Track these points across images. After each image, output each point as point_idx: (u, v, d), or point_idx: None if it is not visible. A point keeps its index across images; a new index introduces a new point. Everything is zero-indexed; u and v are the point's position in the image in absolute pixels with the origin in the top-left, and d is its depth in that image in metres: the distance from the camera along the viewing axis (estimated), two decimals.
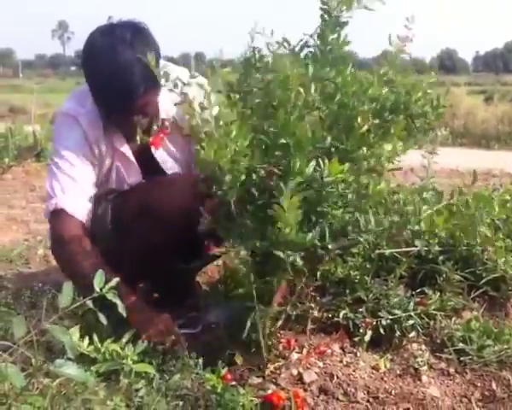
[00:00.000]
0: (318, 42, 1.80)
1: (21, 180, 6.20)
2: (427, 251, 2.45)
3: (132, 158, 2.28)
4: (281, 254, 1.69)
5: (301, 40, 1.82)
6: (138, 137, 2.09)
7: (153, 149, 2.28)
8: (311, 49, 1.82)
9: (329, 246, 1.76)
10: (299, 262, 1.70)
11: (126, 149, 2.26)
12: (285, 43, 1.80)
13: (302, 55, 1.83)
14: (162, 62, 2.10)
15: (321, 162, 1.69)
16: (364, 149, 1.82)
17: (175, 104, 1.91)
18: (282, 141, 1.70)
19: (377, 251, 2.44)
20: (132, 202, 2.23)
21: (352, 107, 1.79)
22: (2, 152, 6.95)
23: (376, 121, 1.80)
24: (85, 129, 2.17)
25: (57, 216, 2.12)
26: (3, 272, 3.10)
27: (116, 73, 1.99)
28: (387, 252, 2.39)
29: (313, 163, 1.69)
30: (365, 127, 1.78)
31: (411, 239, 2.40)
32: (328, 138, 1.80)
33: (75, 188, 2.14)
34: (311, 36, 1.81)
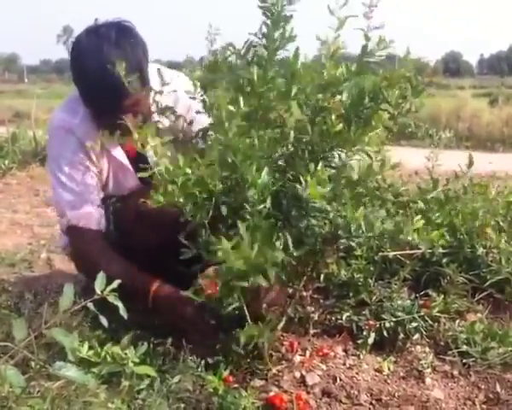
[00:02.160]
0: (263, 41, 1.75)
1: (26, 185, 6.20)
2: (430, 253, 2.44)
3: (126, 162, 2.27)
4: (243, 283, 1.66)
5: (246, 41, 1.78)
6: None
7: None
8: (257, 50, 1.77)
9: (295, 253, 1.73)
10: (264, 283, 1.64)
11: (120, 154, 2.25)
12: (230, 48, 1.78)
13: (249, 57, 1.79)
14: (156, 66, 2.13)
15: (302, 179, 1.68)
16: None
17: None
18: (228, 159, 1.68)
19: (381, 254, 2.43)
20: (132, 207, 2.23)
21: (316, 102, 1.76)
22: (5, 156, 6.98)
23: (354, 112, 1.77)
24: (81, 139, 2.17)
25: (72, 233, 2.25)
26: (7, 275, 3.10)
27: (102, 71, 1.96)
28: (391, 254, 2.38)
29: (266, 171, 1.67)
30: (340, 125, 1.76)
31: (414, 242, 2.40)
32: (292, 133, 1.79)
33: (82, 201, 2.20)
34: (255, 35, 1.75)
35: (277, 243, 1.67)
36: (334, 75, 1.76)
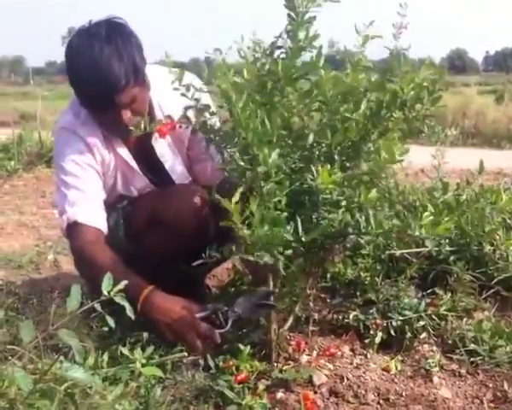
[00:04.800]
0: (288, 41, 1.76)
1: (32, 186, 6.23)
2: (437, 251, 2.44)
3: (132, 162, 2.26)
4: (250, 257, 1.68)
5: (272, 42, 1.78)
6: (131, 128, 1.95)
7: (153, 141, 2.26)
8: (283, 50, 1.77)
9: (303, 239, 1.73)
10: (269, 262, 1.67)
11: (125, 153, 2.25)
12: (256, 47, 1.77)
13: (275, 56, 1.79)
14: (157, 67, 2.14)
15: (313, 169, 1.70)
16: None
17: (185, 108, 1.90)
18: (242, 136, 1.70)
19: (387, 252, 2.43)
20: (144, 211, 2.24)
21: (336, 110, 1.77)
22: (12, 158, 7.03)
23: (372, 123, 1.79)
24: (85, 139, 2.16)
25: (72, 230, 2.14)
26: (14, 277, 3.11)
27: (93, 68, 1.97)
28: (398, 253, 2.38)
29: (277, 151, 1.67)
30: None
31: (422, 240, 2.39)
32: (311, 136, 1.80)
33: (83, 199, 2.15)
34: (280, 36, 1.76)
35: (288, 227, 1.67)
36: (356, 83, 1.78)
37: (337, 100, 1.77)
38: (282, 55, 1.77)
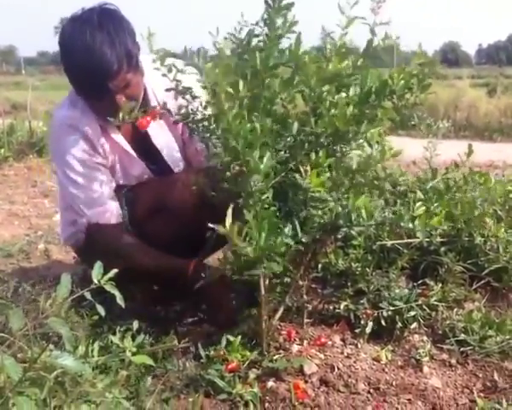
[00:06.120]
0: (265, 29, 1.73)
1: (23, 176, 6.19)
2: (428, 242, 2.44)
3: (129, 148, 2.27)
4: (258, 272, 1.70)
5: (249, 30, 1.75)
6: (121, 116, 1.96)
7: (149, 130, 2.26)
8: (260, 38, 1.75)
9: (303, 239, 1.73)
10: (278, 269, 1.67)
11: (122, 140, 2.25)
12: (232, 38, 1.75)
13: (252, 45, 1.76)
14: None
15: (301, 169, 1.70)
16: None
17: (166, 90, 1.90)
18: (232, 144, 1.66)
19: (378, 243, 2.43)
20: (145, 199, 2.25)
21: (320, 96, 1.76)
22: (2, 147, 6.99)
23: (359, 109, 1.76)
24: (85, 132, 2.16)
25: (96, 230, 2.25)
26: (4, 266, 3.10)
27: (86, 54, 1.97)
28: (389, 244, 2.38)
29: (268, 156, 1.65)
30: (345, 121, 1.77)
31: (413, 230, 2.39)
32: (295, 125, 1.80)
33: (97, 198, 2.22)
34: (256, 24, 1.74)
35: (286, 230, 1.67)
36: (339, 69, 1.76)
37: (320, 85, 1.76)
38: (260, 44, 1.75)
